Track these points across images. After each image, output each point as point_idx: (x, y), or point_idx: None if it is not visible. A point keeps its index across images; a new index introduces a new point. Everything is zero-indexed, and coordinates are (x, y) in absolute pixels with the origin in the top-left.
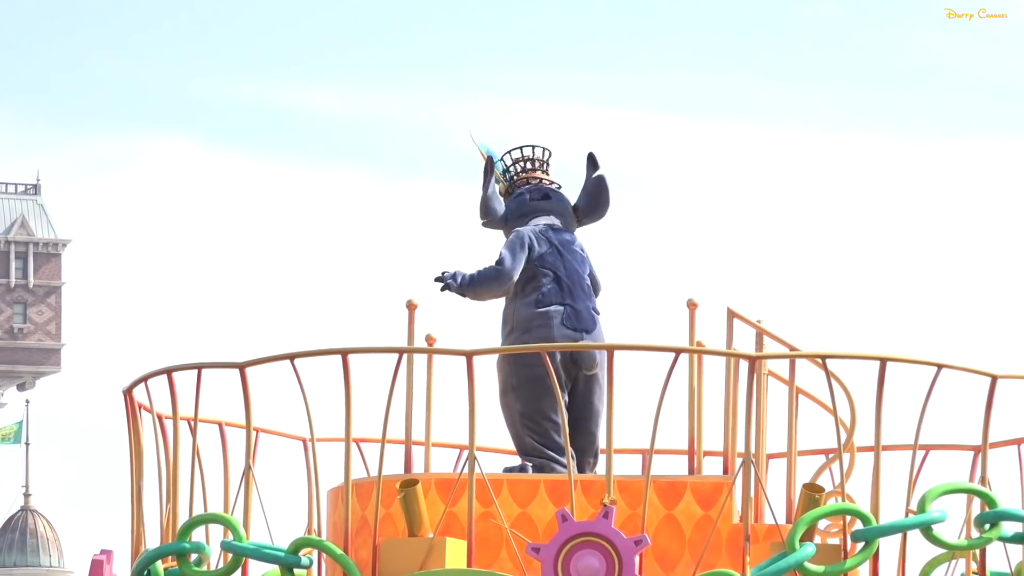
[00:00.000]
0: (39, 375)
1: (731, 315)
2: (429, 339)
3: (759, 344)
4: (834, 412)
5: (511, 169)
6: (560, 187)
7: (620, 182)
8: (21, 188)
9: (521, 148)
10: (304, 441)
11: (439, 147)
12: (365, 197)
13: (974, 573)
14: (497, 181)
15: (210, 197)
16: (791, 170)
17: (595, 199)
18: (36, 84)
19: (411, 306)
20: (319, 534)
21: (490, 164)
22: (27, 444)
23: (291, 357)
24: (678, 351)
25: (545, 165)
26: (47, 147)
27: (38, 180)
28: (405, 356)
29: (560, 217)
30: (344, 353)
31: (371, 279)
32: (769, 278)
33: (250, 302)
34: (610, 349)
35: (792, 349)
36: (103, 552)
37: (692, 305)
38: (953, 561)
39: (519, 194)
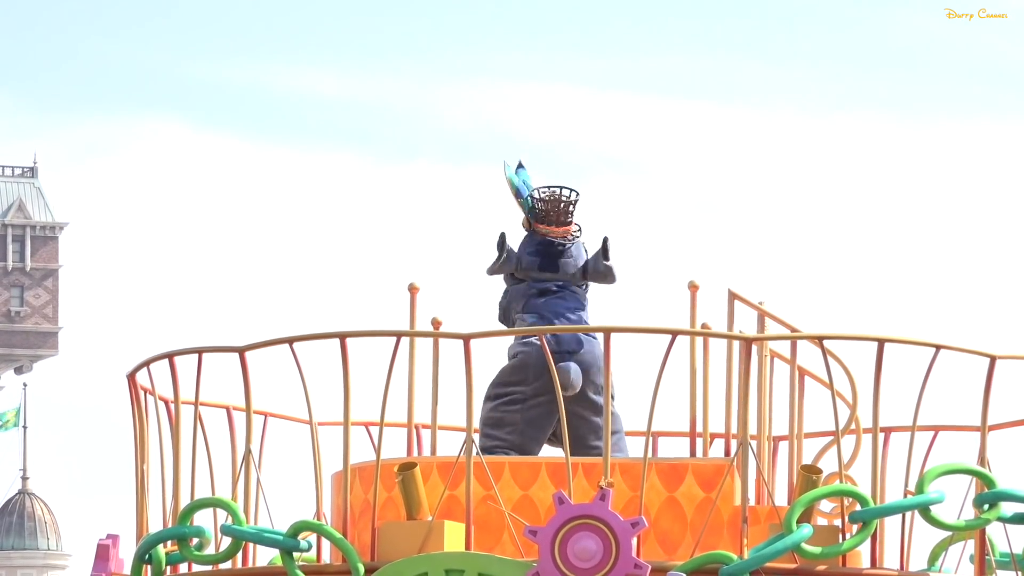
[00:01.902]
0: (36, 358)
1: (732, 297)
2: (435, 322)
3: (760, 326)
4: (832, 391)
5: (537, 207)
6: (579, 232)
7: (614, 165)
8: (18, 171)
9: (544, 197)
10: (313, 425)
11: (433, 130)
12: (359, 180)
13: (989, 555)
14: (522, 209)
15: (204, 180)
16: (784, 152)
17: (599, 279)
18: (32, 67)
19: (413, 289)
20: (323, 518)
21: (503, 239)
22: (25, 427)
23: (290, 341)
24: (674, 333)
25: (570, 212)
26: (44, 130)
27: (35, 163)
28: (406, 339)
29: (567, 278)
30: (342, 337)
31: (367, 262)
32: (768, 260)
33: (247, 284)
34: (606, 331)
35: (793, 330)
36: (109, 536)
37: (693, 287)
38: (964, 543)
39: (534, 252)
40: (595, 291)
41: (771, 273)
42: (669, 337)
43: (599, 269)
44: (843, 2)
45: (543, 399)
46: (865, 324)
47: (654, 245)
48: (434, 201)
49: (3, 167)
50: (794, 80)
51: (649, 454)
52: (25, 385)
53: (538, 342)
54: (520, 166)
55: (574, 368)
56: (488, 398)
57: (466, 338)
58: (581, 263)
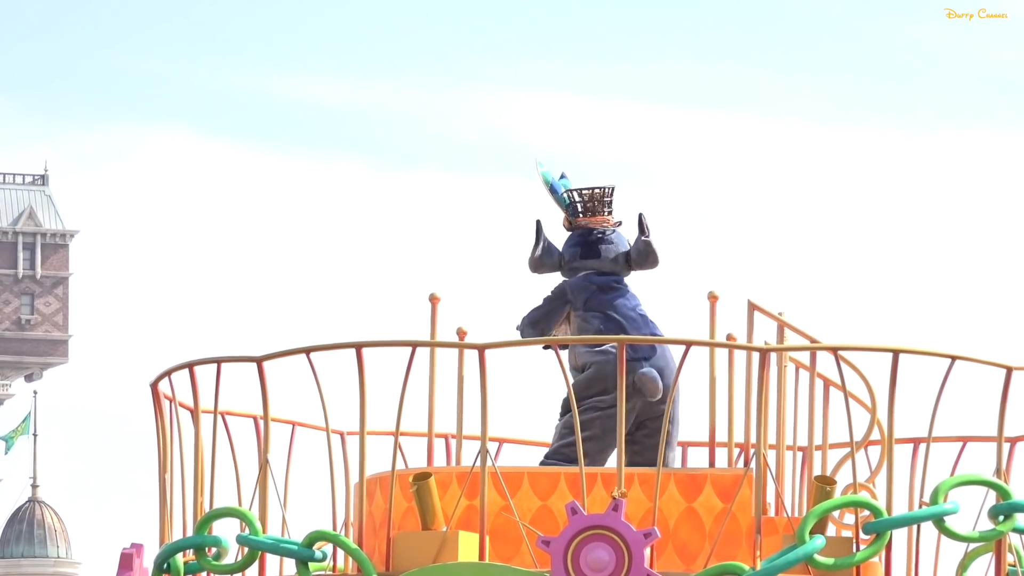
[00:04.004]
0: (46, 366)
1: (752, 307)
2: (460, 332)
3: (780, 336)
4: (847, 402)
5: (576, 205)
6: (619, 225)
7: (620, 174)
8: (29, 179)
9: (581, 191)
10: (342, 434)
11: (438, 138)
12: (365, 188)
13: (1011, 566)
14: (561, 207)
15: (210, 188)
16: (790, 162)
17: (642, 260)
18: (41, 75)
19: (434, 299)
20: (346, 528)
21: (539, 226)
22: (35, 435)
23: (307, 351)
24: (688, 343)
25: (608, 206)
26: (53, 138)
27: (46, 171)
28: (423, 349)
29: (610, 265)
30: (358, 347)
31: (380, 270)
32: (778, 269)
33: (256, 291)
34: (620, 342)
35: (812, 341)
36: (133, 545)
37: (712, 298)
38: (992, 554)
39: (574, 244)
40: None
41: (787, 283)
42: (702, 350)
43: (639, 248)
44: (846, 12)
45: (627, 406)
46: (884, 335)
47: (667, 255)
48: (441, 210)
49: (14, 175)
50: (796, 89)
51: (672, 465)
52: (35, 393)
53: (613, 349)
54: (563, 176)
55: (655, 373)
56: (565, 411)
57: (481, 348)
58: (623, 250)
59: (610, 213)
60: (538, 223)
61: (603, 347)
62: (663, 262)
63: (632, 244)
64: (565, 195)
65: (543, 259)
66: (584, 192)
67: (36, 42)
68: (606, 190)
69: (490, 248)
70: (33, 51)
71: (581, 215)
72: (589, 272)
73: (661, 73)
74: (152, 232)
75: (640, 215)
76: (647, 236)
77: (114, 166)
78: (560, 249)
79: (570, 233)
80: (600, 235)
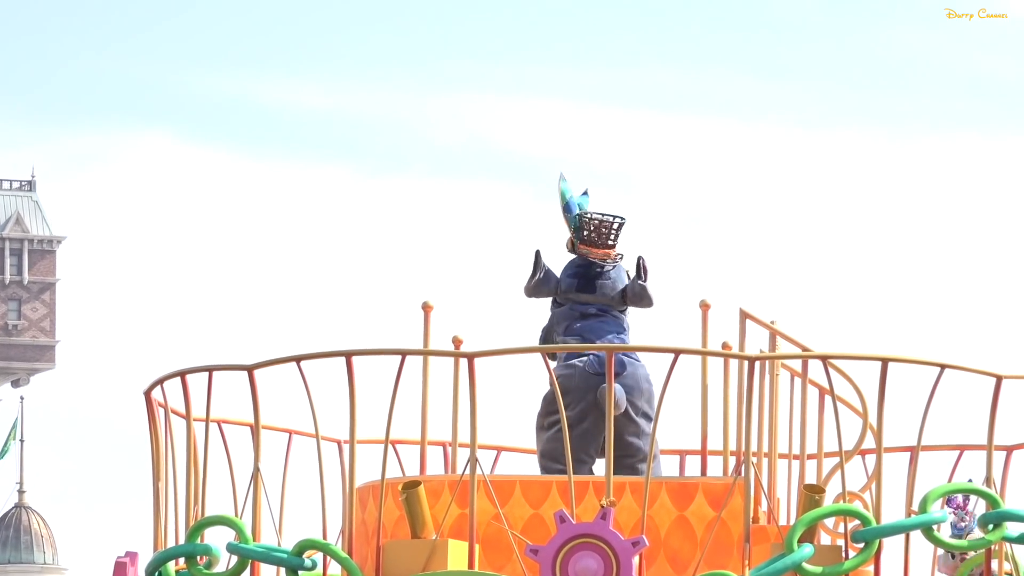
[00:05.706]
0: (33, 372)
1: (744, 316)
2: (456, 341)
3: (772, 344)
4: (836, 410)
5: (581, 226)
6: (620, 258)
7: (604, 180)
8: (16, 184)
9: (591, 217)
10: (339, 443)
11: (422, 143)
12: (351, 193)
13: (1008, 574)
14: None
15: (196, 193)
16: (778, 169)
17: (636, 301)
18: (25, 81)
19: (427, 308)
20: (345, 536)
21: (538, 256)
22: (21, 441)
23: (297, 360)
24: (677, 352)
25: (613, 237)
26: (38, 144)
27: (33, 176)
28: (420, 358)
29: (605, 301)
30: (348, 355)
31: (366, 277)
32: (770, 278)
33: (245, 297)
34: (609, 351)
35: (804, 349)
36: (127, 554)
37: (704, 306)
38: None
39: (571, 275)
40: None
41: (780, 291)
42: (695, 358)
43: (635, 291)
44: (830, 16)
45: (587, 422)
46: (875, 343)
47: (653, 262)
48: (428, 215)
49: (1, 180)
50: (781, 94)
51: (660, 472)
52: (22, 398)
53: (580, 364)
54: (584, 193)
55: (618, 389)
56: (540, 428)
57: (470, 357)
58: (621, 287)
59: (613, 246)
60: (537, 253)
61: (571, 360)
62: (656, 304)
63: (629, 282)
64: (576, 218)
65: (539, 286)
66: (593, 219)
67: (22, 47)
68: (615, 222)
69: (479, 254)
70: (19, 56)
71: (584, 242)
72: (574, 306)
73: (645, 78)
74: (139, 238)
75: (640, 259)
76: (644, 281)
77: (100, 172)
78: (558, 276)
79: (570, 259)
80: (599, 270)
